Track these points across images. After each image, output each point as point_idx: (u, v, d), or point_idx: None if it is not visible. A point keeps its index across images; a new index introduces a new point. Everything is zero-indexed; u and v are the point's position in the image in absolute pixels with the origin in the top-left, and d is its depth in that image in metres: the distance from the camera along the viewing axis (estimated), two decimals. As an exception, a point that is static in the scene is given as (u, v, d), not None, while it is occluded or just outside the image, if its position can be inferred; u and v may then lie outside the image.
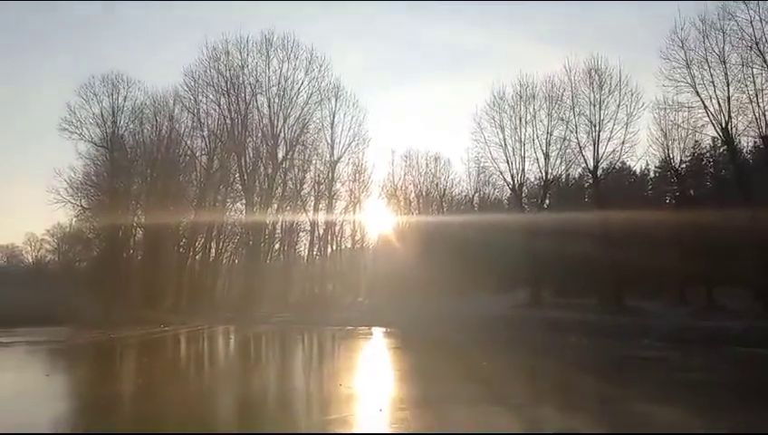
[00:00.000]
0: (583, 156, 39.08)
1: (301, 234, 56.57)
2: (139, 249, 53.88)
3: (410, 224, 53.21)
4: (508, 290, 42.14)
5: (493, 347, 24.87)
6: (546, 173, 41.45)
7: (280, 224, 54.84)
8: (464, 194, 54.35)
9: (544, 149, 40.81)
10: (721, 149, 38.19)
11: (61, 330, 30.93)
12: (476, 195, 53.71)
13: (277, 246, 56.95)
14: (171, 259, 52.26)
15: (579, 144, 38.93)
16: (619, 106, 37.61)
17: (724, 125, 32.74)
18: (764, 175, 32.47)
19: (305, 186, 53.13)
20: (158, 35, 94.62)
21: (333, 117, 51.40)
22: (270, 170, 50.57)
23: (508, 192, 48.24)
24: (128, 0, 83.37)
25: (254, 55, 49.32)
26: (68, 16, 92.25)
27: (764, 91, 31.40)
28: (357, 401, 12.74)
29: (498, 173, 43.85)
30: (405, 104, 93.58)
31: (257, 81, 49.50)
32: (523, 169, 42.10)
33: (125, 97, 49.60)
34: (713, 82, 32.56)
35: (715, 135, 35.36)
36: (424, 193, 53.73)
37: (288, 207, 53.10)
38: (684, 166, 37.97)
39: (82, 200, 50.30)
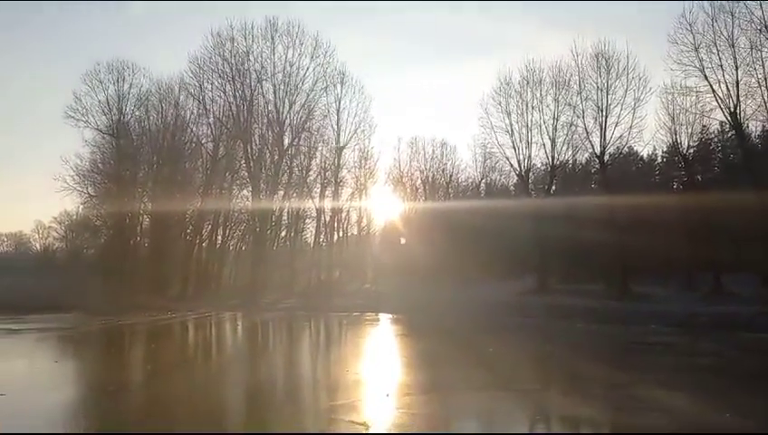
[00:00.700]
0: (590, 141, 38.99)
1: (307, 221, 56.68)
2: (145, 236, 53.97)
3: (416, 210, 53.17)
4: (515, 276, 42.10)
5: (499, 333, 24.89)
6: (553, 159, 41.39)
7: (286, 211, 54.87)
8: (470, 180, 54.39)
9: (551, 134, 40.75)
10: (729, 134, 38.02)
11: (69, 317, 31.07)
12: (483, 181, 53.74)
13: (283, 233, 57.08)
14: (178, 246, 52.39)
15: (586, 129, 38.79)
16: (626, 91, 37.42)
17: (732, 109, 32.51)
18: (773, 160, 32.31)
19: (311, 172, 53.07)
20: (163, 22, 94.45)
21: (339, 103, 51.18)
22: (276, 157, 50.46)
23: (515, 178, 48.30)
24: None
25: (259, 42, 49.04)
26: (74, 4, 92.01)
27: (773, 75, 31.15)
28: (364, 387, 12.79)
29: (505, 159, 43.88)
30: (411, 91, 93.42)
31: (262, 67, 49.26)
32: (530, 155, 42.15)
33: (131, 84, 49.55)
34: (721, 65, 32.35)
35: (723, 120, 35.26)
36: (430, 180, 53.65)
37: (294, 194, 53.08)
38: (691, 151, 37.77)
39: (89, 188, 50.42)
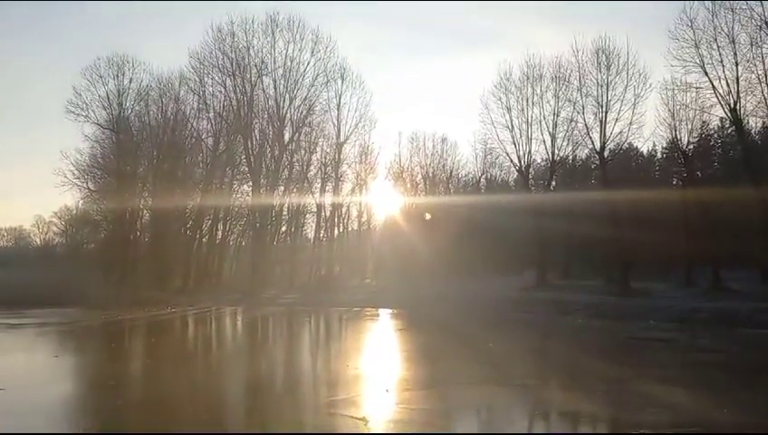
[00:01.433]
0: (590, 137, 38.89)
1: (307, 216, 56.80)
2: (146, 231, 54.03)
3: (417, 206, 53.18)
4: (515, 272, 42.13)
5: (499, 329, 24.94)
6: (553, 154, 41.36)
7: (286, 206, 54.95)
8: (470, 176, 54.39)
9: (551, 130, 40.69)
10: (729, 130, 38.02)
11: (69, 312, 31.07)
12: (483, 177, 53.72)
13: (284, 228, 57.11)
14: (178, 241, 52.45)
15: (586, 125, 38.70)
16: (626, 87, 37.29)
17: (732, 105, 32.44)
18: (773, 156, 32.31)
19: (312, 167, 53.17)
20: (163, 17, 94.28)
21: (340, 98, 51.19)
22: (276, 152, 50.47)
23: (515, 174, 48.28)
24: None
25: (259, 36, 49.02)
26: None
27: (774, 71, 31.10)
28: (364, 382, 12.79)
29: (505, 154, 43.84)
30: (412, 86, 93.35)
31: (263, 62, 49.23)
32: (530, 151, 42.10)
33: (130, 79, 49.59)
34: (721, 61, 32.25)
35: (723, 116, 35.15)
36: (430, 175, 53.67)
37: (294, 189, 53.13)
38: (691, 147, 37.67)
39: (89, 183, 50.52)
